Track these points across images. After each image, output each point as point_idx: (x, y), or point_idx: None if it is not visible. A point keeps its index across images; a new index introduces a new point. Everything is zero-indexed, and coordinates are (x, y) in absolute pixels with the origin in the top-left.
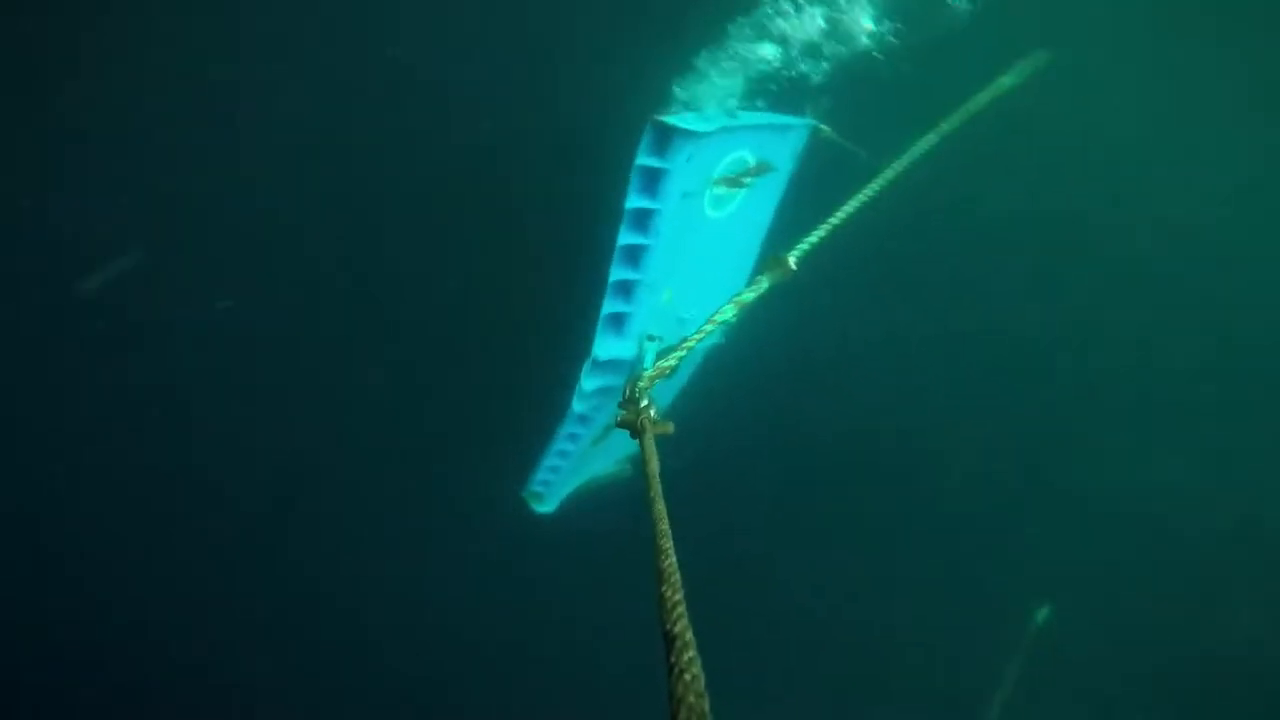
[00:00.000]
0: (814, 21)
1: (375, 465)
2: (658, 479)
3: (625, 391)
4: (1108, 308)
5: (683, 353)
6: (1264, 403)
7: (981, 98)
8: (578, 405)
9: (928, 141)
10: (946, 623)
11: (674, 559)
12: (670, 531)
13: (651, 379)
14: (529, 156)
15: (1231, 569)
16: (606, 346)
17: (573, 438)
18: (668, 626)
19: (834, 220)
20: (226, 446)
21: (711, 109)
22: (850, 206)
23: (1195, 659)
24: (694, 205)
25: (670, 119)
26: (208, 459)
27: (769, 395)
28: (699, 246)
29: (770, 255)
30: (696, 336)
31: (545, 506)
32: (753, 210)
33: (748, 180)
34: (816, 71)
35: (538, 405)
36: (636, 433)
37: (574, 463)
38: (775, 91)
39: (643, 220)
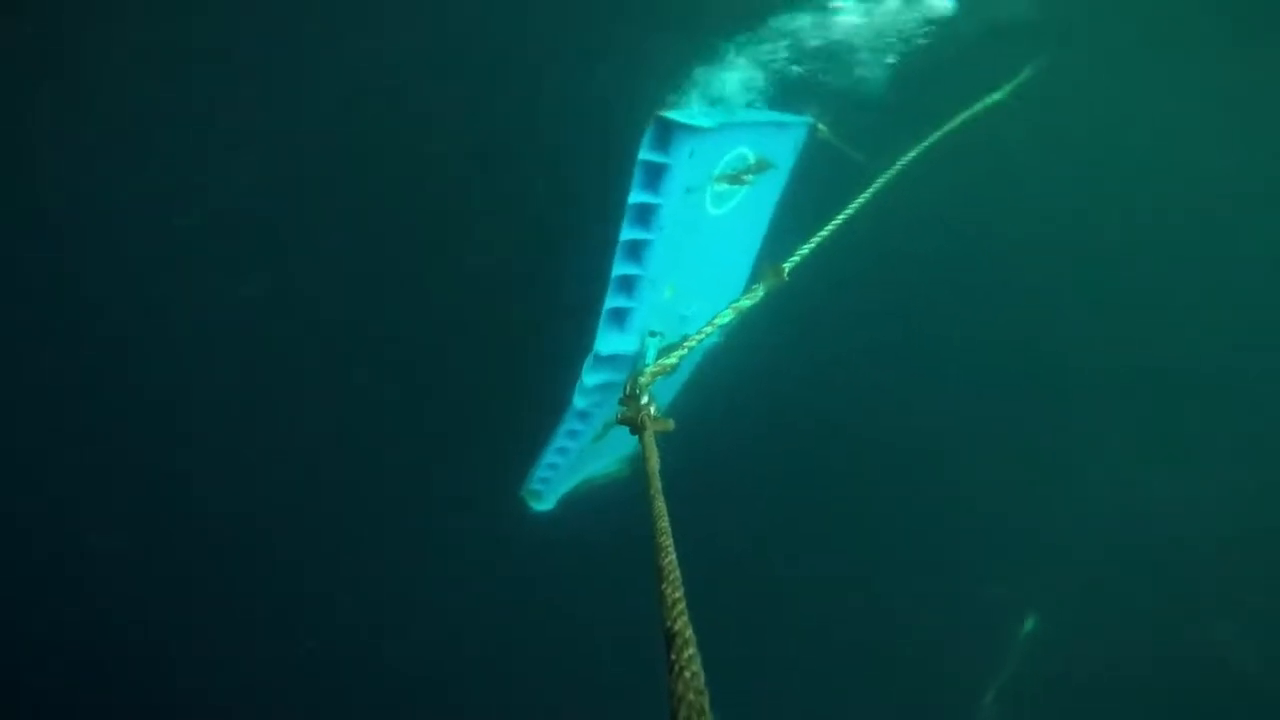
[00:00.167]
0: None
1: (373, 463)
2: (658, 476)
3: (626, 388)
4: (1100, 318)
5: (684, 351)
6: (1247, 418)
7: (970, 111)
8: (579, 401)
9: (916, 152)
10: (940, 624)
11: (674, 556)
12: (670, 529)
13: (653, 375)
14: (528, 154)
15: (1213, 578)
16: (608, 341)
17: (573, 434)
18: (668, 624)
19: (826, 231)
20: (225, 445)
21: (709, 106)
22: (841, 217)
23: (1177, 665)
24: (696, 201)
25: (673, 114)
26: (207, 460)
27: (769, 399)
28: (700, 243)
29: (766, 265)
30: (697, 336)
31: (544, 505)
32: (753, 208)
33: (748, 177)
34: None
35: (537, 402)
36: (637, 429)
37: (573, 461)
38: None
39: (645, 215)
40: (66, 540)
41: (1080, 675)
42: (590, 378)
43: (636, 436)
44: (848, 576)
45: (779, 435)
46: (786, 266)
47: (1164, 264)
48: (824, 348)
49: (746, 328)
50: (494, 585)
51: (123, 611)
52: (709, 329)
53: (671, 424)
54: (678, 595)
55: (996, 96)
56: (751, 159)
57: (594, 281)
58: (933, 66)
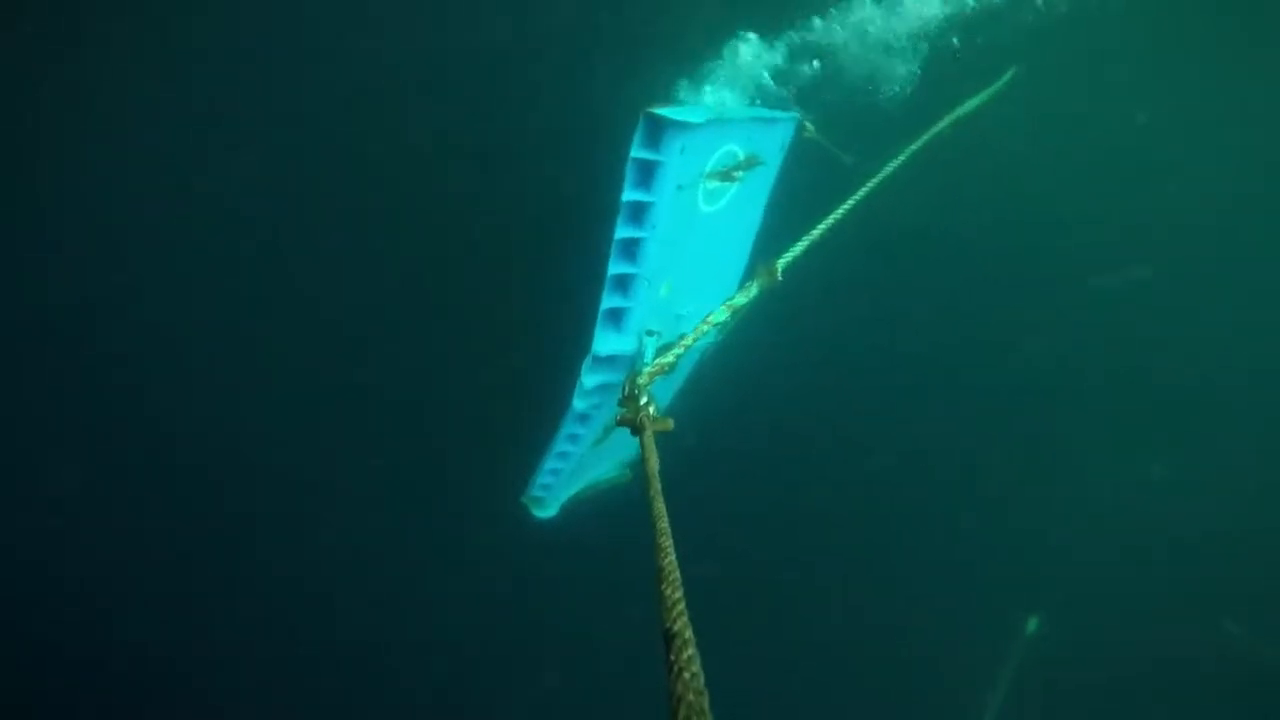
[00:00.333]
0: None
1: (372, 469)
2: (657, 477)
3: (625, 388)
4: (1095, 320)
5: (681, 350)
6: (1244, 417)
7: (956, 112)
8: (578, 403)
9: (906, 154)
10: (943, 625)
11: (674, 557)
12: (670, 529)
13: (651, 375)
14: (522, 155)
15: (1213, 577)
16: (606, 342)
17: (573, 438)
18: (667, 624)
19: (819, 230)
20: (225, 448)
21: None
22: (834, 217)
23: (1178, 664)
24: (688, 198)
25: (662, 111)
26: (207, 462)
27: (772, 403)
28: (694, 241)
29: (760, 263)
30: (694, 335)
31: (546, 512)
32: (744, 206)
33: (738, 174)
34: None
35: (536, 406)
36: (636, 429)
37: (574, 466)
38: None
39: (639, 213)
40: (66, 541)
41: (1084, 676)
42: (589, 379)
43: (636, 438)
44: (849, 578)
45: (782, 439)
46: (780, 265)
47: (1161, 265)
48: (826, 352)
49: (744, 328)
50: (494, 587)
51: (122, 612)
52: (705, 327)
53: (671, 424)
54: (677, 596)
55: (982, 97)
56: (741, 155)
57: (590, 283)
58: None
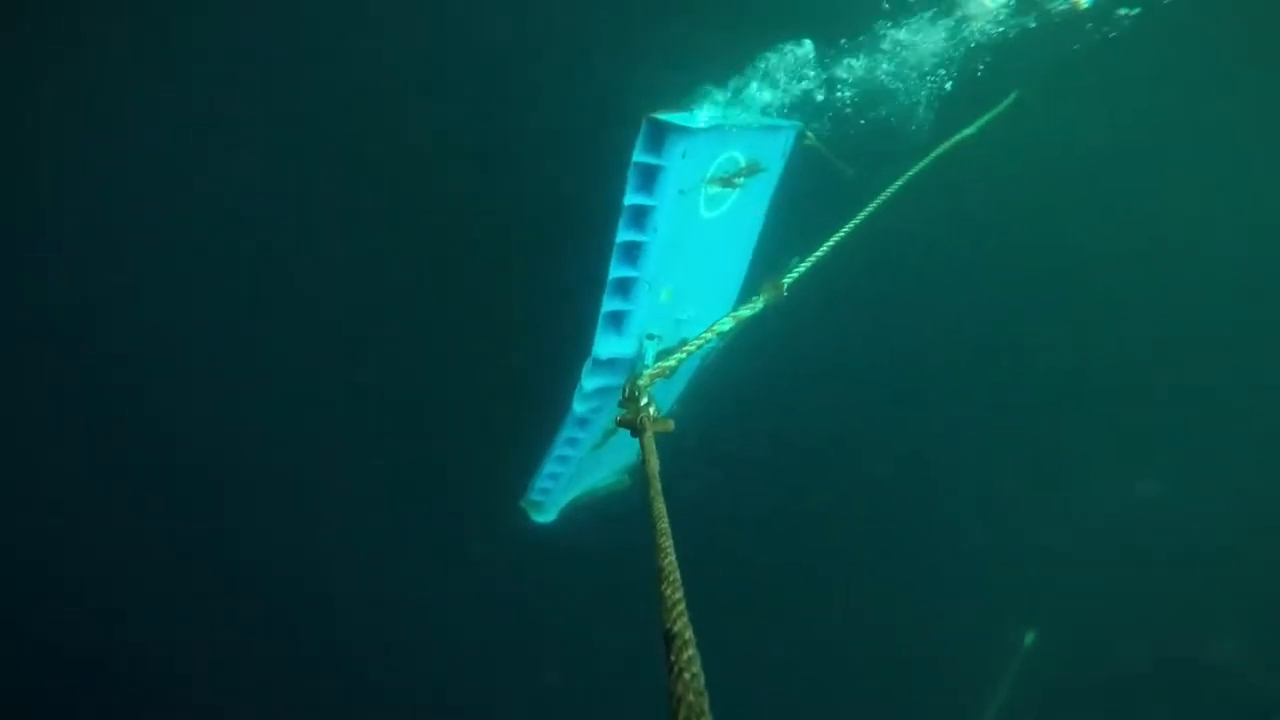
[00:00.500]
0: None
1: (372, 471)
2: (658, 478)
3: (625, 390)
4: (1098, 333)
5: (683, 355)
6: (1246, 426)
7: (961, 134)
8: (578, 406)
9: (909, 175)
10: (939, 624)
11: (674, 557)
12: (670, 530)
13: (651, 377)
14: (522, 155)
15: (1213, 588)
16: (607, 345)
17: (572, 442)
18: (667, 625)
19: (825, 248)
20: (225, 448)
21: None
22: (838, 237)
23: (1174, 677)
24: (689, 203)
25: (664, 116)
26: (207, 462)
27: (774, 411)
28: (694, 246)
29: (767, 278)
30: (696, 342)
31: (544, 517)
32: (744, 212)
33: (739, 181)
34: None
35: (536, 408)
36: (636, 430)
37: (574, 471)
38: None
39: (641, 217)
40: (66, 541)
41: (1078, 684)
42: (589, 381)
43: (636, 441)
44: (849, 580)
45: (785, 445)
46: (786, 282)
47: (1156, 275)
48: (828, 361)
49: (750, 334)
50: (493, 588)
51: (122, 612)
52: (708, 335)
53: (671, 425)
54: (677, 596)
55: (986, 119)
56: (742, 162)
57: (590, 285)
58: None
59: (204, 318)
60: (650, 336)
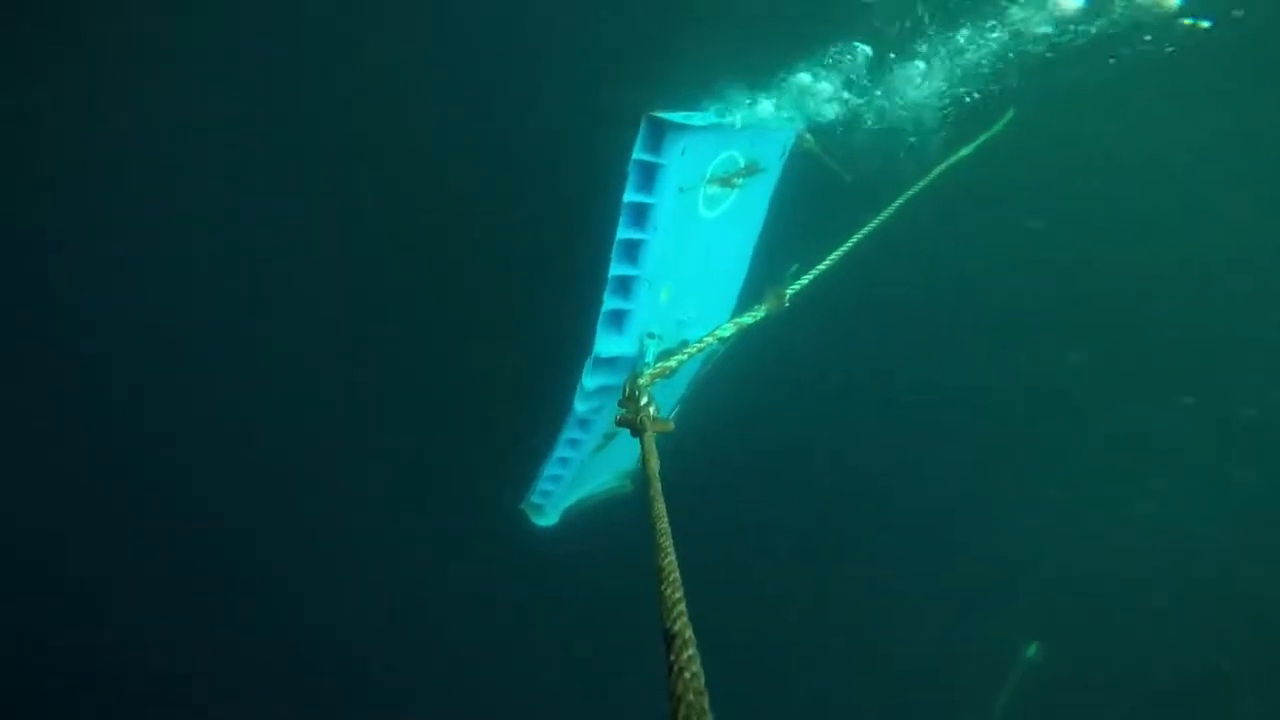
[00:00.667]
0: None
1: (372, 471)
2: (658, 478)
3: (625, 389)
4: (1096, 350)
5: (684, 356)
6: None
7: (961, 152)
8: (579, 406)
9: (911, 193)
10: (939, 626)
11: (674, 557)
12: (670, 530)
13: (652, 377)
14: (523, 157)
15: (1211, 605)
16: (607, 344)
17: (573, 444)
18: (667, 625)
19: (828, 261)
20: (225, 448)
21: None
22: (840, 251)
23: (1175, 689)
24: (689, 202)
25: (664, 114)
26: (207, 462)
27: (776, 420)
28: (694, 246)
29: (770, 289)
30: (698, 345)
31: (545, 520)
32: (743, 213)
33: (738, 181)
34: None
35: (537, 410)
36: (636, 430)
37: (574, 473)
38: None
39: (641, 215)
40: (66, 541)
41: (1080, 699)
42: (590, 381)
43: (637, 444)
44: (849, 582)
45: (786, 452)
46: (788, 293)
47: (1157, 291)
48: (833, 369)
49: (749, 344)
50: (493, 588)
51: (122, 612)
52: (710, 339)
53: (672, 425)
54: (677, 596)
55: (985, 138)
56: (741, 162)
57: (590, 284)
58: None
59: (204, 317)
60: (651, 336)
